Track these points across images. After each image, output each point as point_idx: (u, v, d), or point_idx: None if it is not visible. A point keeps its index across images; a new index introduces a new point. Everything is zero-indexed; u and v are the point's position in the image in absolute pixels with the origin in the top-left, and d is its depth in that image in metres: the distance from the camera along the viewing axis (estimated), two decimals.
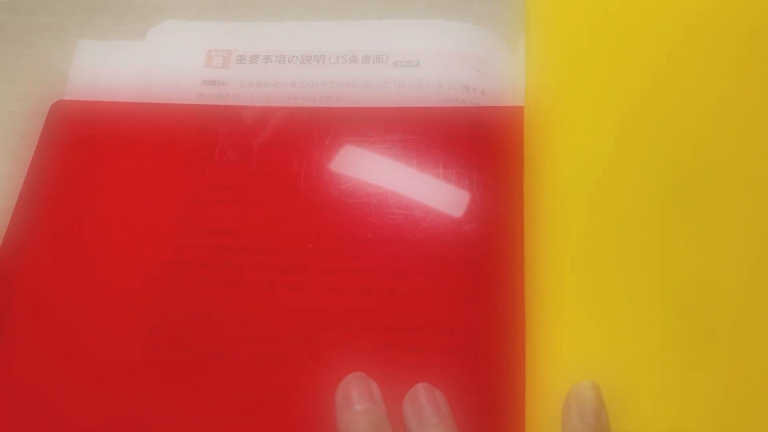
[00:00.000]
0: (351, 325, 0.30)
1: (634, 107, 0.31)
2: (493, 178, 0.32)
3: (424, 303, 0.30)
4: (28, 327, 0.32)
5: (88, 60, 0.39)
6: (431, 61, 0.37)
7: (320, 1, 0.41)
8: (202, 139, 0.35)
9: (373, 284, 0.31)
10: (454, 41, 0.37)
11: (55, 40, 0.41)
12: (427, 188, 0.33)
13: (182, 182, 0.34)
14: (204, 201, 0.34)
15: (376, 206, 0.33)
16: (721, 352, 0.27)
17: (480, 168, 0.33)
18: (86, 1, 0.42)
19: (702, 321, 0.28)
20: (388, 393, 0.28)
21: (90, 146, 0.36)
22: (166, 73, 0.38)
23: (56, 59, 0.40)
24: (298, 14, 0.40)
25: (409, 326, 0.30)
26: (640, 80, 0.32)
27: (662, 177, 0.30)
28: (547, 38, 0.33)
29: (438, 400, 0.28)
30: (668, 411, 0.27)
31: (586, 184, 0.31)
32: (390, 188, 0.33)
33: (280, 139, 0.35)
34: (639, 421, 0.27)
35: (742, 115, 0.31)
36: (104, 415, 0.30)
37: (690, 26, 0.32)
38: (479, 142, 0.33)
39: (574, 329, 0.29)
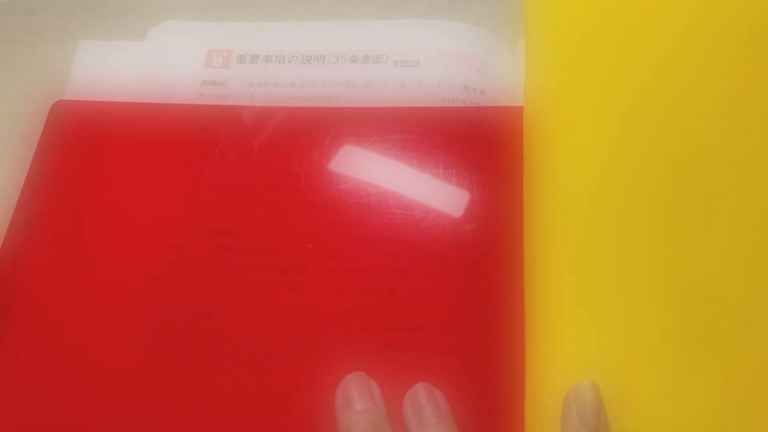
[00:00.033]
0: (351, 325, 0.30)
1: (633, 107, 0.31)
2: (492, 178, 0.33)
3: (424, 303, 0.30)
4: (29, 327, 0.32)
5: (89, 60, 0.39)
6: (431, 61, 0.37)
7: (320, 2, 0.41)
8: (203, 139, 0.35)
9: (373, 284, 0.31)
10: (453, 41, 0.37)
11: (55, 40, 0.41)
12: (427, 188, 0.33)
13: (182, 182, 0.34)
14: (204, 201, 0.34)
15: (376, 206, 0.33)
16: (720, 353, 0.27)
17: (480, 168, 0.33)
18: (87, 2, 0.42)
19: (701, 321, 0.28)
20: (388, 393, 0.28)
21: (90, 146, 0.36)
22: (166, 73, 0.38)
23: (57, 59, 0.40)
24: (298, 14, 0.40)
25: (409, 326, 0.30)
26: (639, 80, 0.32)
27: (661, 177, 0.30)
28: (547, 38, 0.33)
29: (438, 400, 0.28)
30: (667, 411, 0.27)
31: (585, 184, 0.31)
32: (390, 188, 0.33)
33: (280, 139, 0.35)
34: (638, 421, 0.27)
35: (742, 115, 0.31)
36: (105, 414, 0.30)
37: (689, 26, 0.32)
38: (479, 142, 0.33)
39: (574, 329, 0.29)
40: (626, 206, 0.30)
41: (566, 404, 0.27)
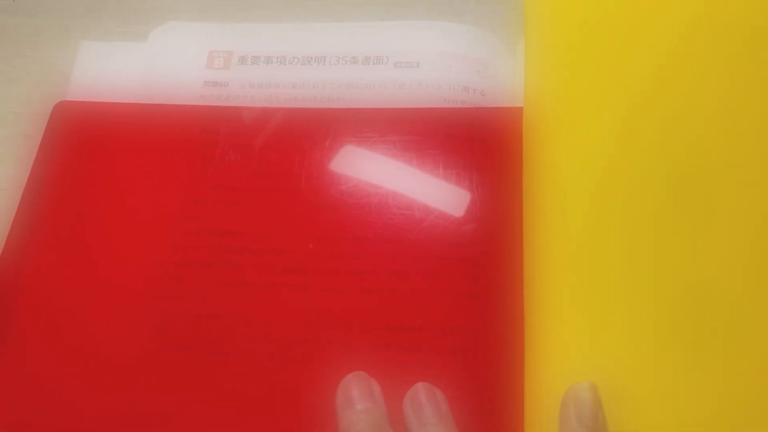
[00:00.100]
0: (352, 325, 0.30)
1: (632, 108, 0.32)
2: (492, 179, 0.33)
3: (424, 303, 0.30)
4: (32, 327, 0.32)
5: (91, 61, 0.40)
6: (431, 63, 0.37)
7: (321, 3, 0.41)
8: (204, 140, 0.35)
9: (373, 284, 0.31)
10: (454, 43, 0.38)
11: (57, 41, 0.41)
12: (427, 189, 0.33)
13: (184, 183, 0.34)
14: (205, 202, 0.34)
15: (376, 207, 0.33)
16: (719, 353, 0.27)
17: (480, 168, 0.33)
18: (89, 3, 0.42)
19: (700, 322, 0.28)
20: (389, 393, 0.28)
21: (92, 147, 0.36)
22: (167, 74, 0.38)
23: (59, 60, 0.40)
24: (299, 16, 0.40)
25: (410, 326, 0.30)
26: (638, 81, 0.32)
27: (661, 178, 0.30)
28: (546, 40, 0.33)
29: (438, 400, 0.28)
30: (665, 411, 0.27)
31: (584, 185, 0.31)
32: (390, 189, 0.33)
33: (281, 140, 0.35)
34: (636, 421, 0.27)
35: (741, 115, 0.31)
36: (108, 414, 0.30)
37: (689, 27, 0.32)
38: (479, 143, 0.33)
39: (573, 329, 0.29)
40: (625, 207, 0.30)
41: (564, 404, 0.27)
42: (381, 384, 0.29)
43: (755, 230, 0.29)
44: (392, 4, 0.40)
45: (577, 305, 0.29)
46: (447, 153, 0.33)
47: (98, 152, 0.36)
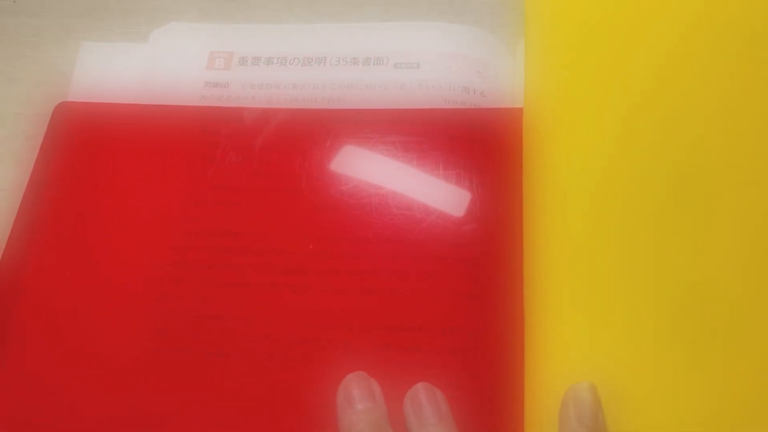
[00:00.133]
0: (352, 326, 0.30)
1: (632, 109, 0.32)
2: (492, 179, 0.33)
3: (424, 303, 0.30)
4: (33, 328, 0.32)
5: (92, 62, 0.40)
6: (431, 63, 0.37)
7: (321, 4, 0.41)
8: (205, 141, 0.35)
9: (373, 285, 0.31)
10: (454, 43, 0.38)
11: (58, 42, 0.41)
12: (428, 189, 0.33)
13: (184, 184, 0.34)
14: (206, 202, 0.34)
15: (376, 207, 0.33)
16: (719, 354, 0.28)
17: (480, 169, 0.33)
18: (90, 4, 0.42)
19: (700, 322, 0.28)
20: (389, 392, 0.28)
21: (93, 148, 0.36)
22: (168, 75, 0.38)
23: (60, 61, 0.40)
24: (299, 17, 0.40)
25: (410, 326, 0.30)
26: (638, 82, 0.32)
27: (661, 178, 0.30)
28: (546, 40, 0.33)
29: (438, 400, 0.28)
30: (666, 412, 0.27)
31: (584, 185, 0.31)
32: (390, 189, 0.33)
33: (281, 141, 0.35)
34: (637, 421, 0.27)
35: (741, 116, 0.31)
36: (109, 415, 0.30)
37: (688, 27, 0.33)
38: (479, 144, 0.34)
39: (573, 329, 0.29)
40: (625, 207, 0.30)
41: (564, 405, 0.27)
42: (381, 384, 0.29)
43: (755, 230, 0.29)
44: (392, 4, 0.40)
45: (577, 305, 0.29)
46: (447, 153, 0.33)
47: (99, 153, 0.36)
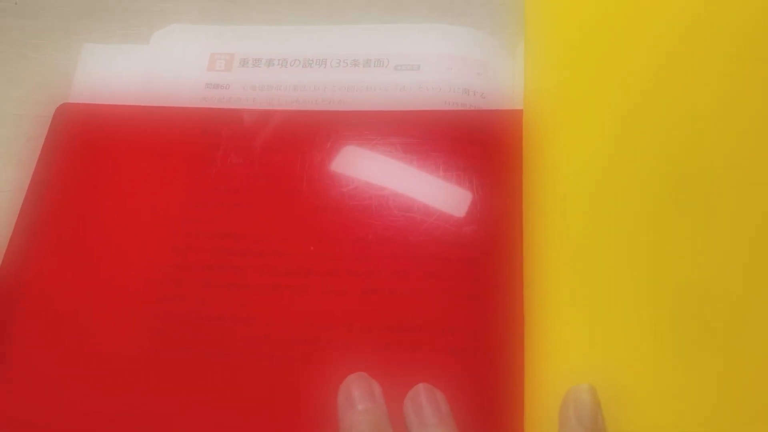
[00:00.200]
0: (352, 326, 0.30)
1: (631, 110, 0.32)
2: (492, 180, 0.33)
3: (424, 303, 0.31)
4: (34, 329, 0.32)
5: (93, 63, 0.40)
6: (432, 65, 0.37)
7: (322, 6, 0.41)
8: (205, 142, 0.35)
9: (374, 285, 0.31)
10: (454, 45, 0.38)
11: (60, 43, 0.41)
12: (428, 190, 0.33)
13: (185, 185, 0.34)
14: (207, 204, 0.34)
15: (377, 208, 0.33)
16: (719, 354, 0.28)
17: (480, 170, 0.33)
18: (91, 6, 0.42)
19: (699, 323, 0.28)
20: (389, 393, 0.28)
21: (94, 149, 0.36)
22: (169, 76, 0.39)
23: (61, 63, 0.40)
24: (300, 18, 0.40)
25: (410, 326, 0.30)
26: (637, 83, 0.32)
27: (660, 179, 0.30)
28: (546, 42, 0.34)
29: (438, 401, 0.28)
30: (665, 412, 0.27)
31: (584, 186, 0.31)
32: (391, 191, 0.33)
33: (282, 142, 0.35)
34: (636, 421, 0.27)
35: (741, 116, 0.31)
36: (110, 415, 0.30)
37: (688, 28, 0.33)
38: (479, 145, 0.34)
39: (573, 330, 0.29)
40: (625, 208, 0.30)
41: (564, 406, 0.27)
42: (381, 384, 0.29)
43: (755, 230, 0.29)
44: (392, 6, 0.40)
45: (577, 306, 0.29)
46: (447, 155, 0.33)
47: (100, 154, 0.36)
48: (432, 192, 0.33)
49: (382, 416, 0.28)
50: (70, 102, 0.38)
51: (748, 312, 0.28)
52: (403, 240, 0.32)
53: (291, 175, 0.34)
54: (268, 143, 0.35)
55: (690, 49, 0.32)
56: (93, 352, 0.31)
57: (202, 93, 0.38)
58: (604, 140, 0.31)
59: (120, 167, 0.35)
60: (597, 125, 0.32)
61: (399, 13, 0.40)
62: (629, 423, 0.27)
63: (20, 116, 0.39)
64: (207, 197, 0.34)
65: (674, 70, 0.32)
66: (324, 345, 0.30)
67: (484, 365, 0.29)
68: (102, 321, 0.32)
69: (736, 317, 0.28)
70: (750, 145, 0.30)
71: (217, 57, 0.39)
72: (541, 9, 0.34)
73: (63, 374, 0.31)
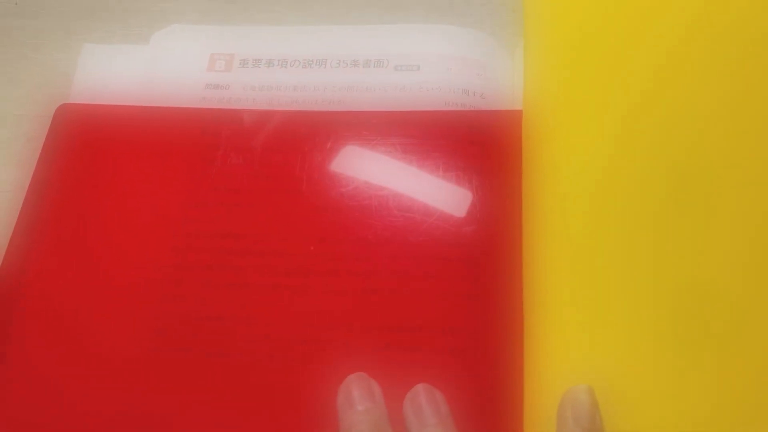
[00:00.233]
0: (352, 326, 0.30)
1: (631, 110, 0.32)
2: (492, 181, 0.33)
3: (424, 303, 0.31)
4: (34, 329, 0.32)
5: (93, 64, 0.40)
6: (431, 65, 0.37)
7: (322, 5, 0.41)
8: (205, 143, 0.35)
9: (374, 285, 0.31)
10: (454, 45, 0.38)
11: (60, 44, 0.41)
12: (428, 191, 0.33)
13: (185, 185, 0.34)
14: (207, 204, 0.34)
15: (377, 209, 0.33)
16: (718, 355, 0.28)
17: (479, 170, 0.33)
18: (91, 6, 0.42)
19: (698, 324, 0.28)
20: (389, 393, 0.28)
21: (94, 149, 0.36)
22: (169, 76, 0.39)
23: (61, 63, 0.40)
24: (300, 19, 0.40)
25: (410, 326, 0.30)
26: (637, 83, 0.32)
27: (660, 179, 0.30)
28: (545, 42, 0.34)
29: (438, 401, 0.28)
30: (664, 413, 0.27)
31: (583, 186, 0.31)
32: (391, 191, 0.33)
33: (282, 143, 0.35)
34: (635, 422, 0.27)
35: (741, 116, 0.31)
36: (110, 415, 0.30)
37: (688, 28, 0.33)
38: (479, 145, 0.34)
39: (572, 330, 0.29)
40: (625, 208, 0.30)
41: (562, 406, 0.27)
42: (381, 384, 0.29)
43: (755, 230, 0.29)
44: (392, 6, 0.40)
45: (577, 306, 0.29)
46: (447, 155, 0.34)
47: (100, 154, 0.36)
48: (432, 192, 0.33)
49: (382, 416, 0.28)
50: (70, 102, 0.38)
51: (748, 312, 0.28)
52: (403, 240, 0.32)
53: (291, 176, 0.34)
54: (268, 143, 0.35)
55: (690, 49, 0.32)
56: (93, 352, 0.31)
57: (202, 93, 0.38)
58: (604, 140, 0.31)
59: (120, 167, 0.35)
60: (596, 125, 0.32)
61: (399, 14, 0.40)
62: (629, 423, 0.27)
63: (20, 116, 0.39)
64: (207, 197, 0.34)
65: (674, 70, 0.32)
66: (324, 345, 0.30)
67: (483, 365, 0.29)
68: (102, 321, 0.32)
69: (736, 317, 0.28)
70: (750, 145, 0.30)
71: (217, 57, 0.39)
72: (541, 9, 0.34)
73: (63, 374, 0.31)
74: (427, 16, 0.39)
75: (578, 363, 0.28)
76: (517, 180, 0.32)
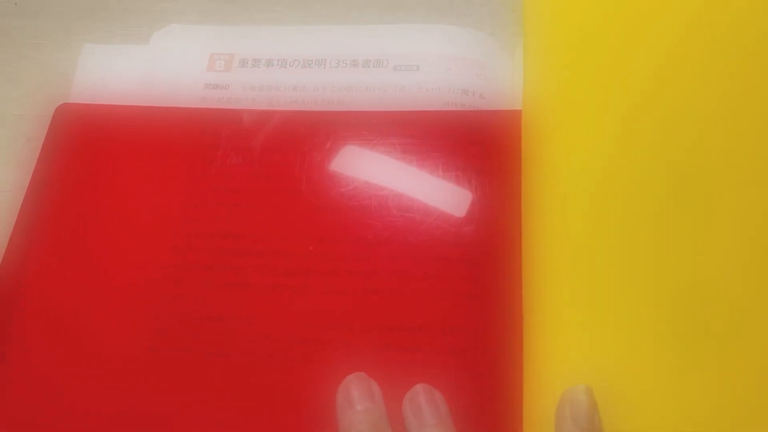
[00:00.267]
0: (352, 326, 0.30)
1: (630, 110, 0.32)
2: (491, 181, 0.33)
3: (424, 303, 0.31)
4: (34, 329, 0.32)
5: (93, 64, 0.40)
6: (431, 65, 0.37)
7: (322, 5, 0.41)
8: (205, 143, 0.35)
9: (373, 285, 0.31)
10: (453, 46, 0.38)
11: (60, 43, 0.41)
12: (427, 191, 0.33)
13: (185, 185, 0.34)
14: (207, 204, 0.34)
15: (377, 209, 0.33)
16: (717, 355, 0.28)
17: (479, 170, 0.33)
18: (91, 6, 0.42)
19: (697, 324, 0.28)
20: (389, 393, 0.28)
21: (94, 149, 0.36)
22: (169, 76, 0.39)
23: (61, 63, 0.40)
24: (299, 19, 0.40)
25: (410, 326, 0.30)
26: (637, 83, 0.32)
27: (660, 179, 0.30)
28: (545, 43, 0.34)
29: (437, 401, 0.28)
30: (663, 413, 0.27)
31: (583, 186, 0.31)
32: (391, 191, 0.33)
33: (281, 143, 0.35)
34: (634, 422, 0.27)
35: (741, 116, 0.31)
36: (110, 415, 0.30)
37: (687, 28, 0.33)
38: (478, 146, 0.34)
39: (572, 330, 0.29)
40: (624, 208, 0.30)
41: (560, 407, 0.27)
42: (381, 384, 0.29)
43: (755, 230, 0.29)
44: (392, 6, 0.40)
45: (576, 306, 0.29)
46: (447, 155, 0.34)
47: (100, 154, 0.36)
48: (431, 192, 0.33)
49: (381, 416, 0.28)
50: (70, 102, 0.38)
51: (748, 312, 0.28)
52: (402, 240, 0.32)
53: (291, 176, 0.34)
54: (268, 143, 0.35)
55: (689, 49, 0.32)
56: (93, 352, 0.31)
57: (202, 93, 0.38)
58: (604, 140, 0.31)
59: (120, 167, 0.35)
60: (596, 125, 0.32)
61: (399, 14, 0.40)
62: (628, 423, 0.27)
63: (20, 116, 0.39)
64: (207, 197, 0.34)
65: (673, 69, 0.32)
66: (324, 345, 0.30)
67: (483, 365, 0.29)
68: (102, 321, 0.32)
69: (736, 317, 0.28)
70: (750, 145, 0.30)
71: (217, 57, 0.39)
72: (540, 9, 0.34)
73: (63, 374, 0.31)
74: (426, 16, 0.39)
75: (577, 363, 0.28)
76: (517, 180, 0.32)
